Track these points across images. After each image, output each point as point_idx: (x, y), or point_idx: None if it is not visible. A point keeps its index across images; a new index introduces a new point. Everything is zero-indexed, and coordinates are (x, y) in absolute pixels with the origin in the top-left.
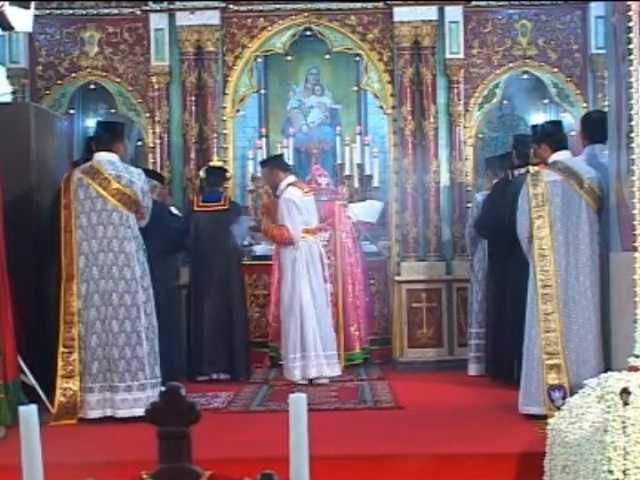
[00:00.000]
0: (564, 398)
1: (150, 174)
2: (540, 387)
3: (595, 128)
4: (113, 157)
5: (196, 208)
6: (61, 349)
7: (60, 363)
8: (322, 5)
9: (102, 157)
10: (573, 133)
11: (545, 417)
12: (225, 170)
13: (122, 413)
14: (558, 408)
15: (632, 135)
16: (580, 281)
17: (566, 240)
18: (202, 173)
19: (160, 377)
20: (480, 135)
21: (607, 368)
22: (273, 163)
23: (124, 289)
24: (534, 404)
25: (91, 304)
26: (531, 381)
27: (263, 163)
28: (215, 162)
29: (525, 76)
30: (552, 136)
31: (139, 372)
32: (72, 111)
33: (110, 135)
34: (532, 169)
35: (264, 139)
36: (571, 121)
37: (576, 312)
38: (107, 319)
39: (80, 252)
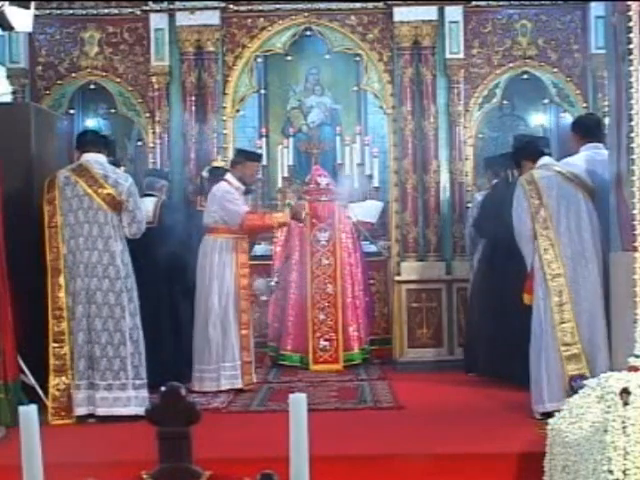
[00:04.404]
0: None
1: (162, 174)
2: (562, 381)
3: (587, 128)
4: (100, 158)
5: (199, 208)
6: (52, 344)
7: (51, 358)
8: (322, 5)
9: (90, 157)
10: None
11: None
12: (228, 170)
13: (101, 411)
14: None
15: (632, 135)
16: (589, 269)
17: (568, 230)
18: (205, 173)
19: (145, 379)
20: (480, 135)
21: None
22: None
23: (108, 287)
24: (555, 400)
25: (78, 301)
26: (552, 377)
27: (259, 157)
28: (218, 162)
29: (525, 76)
30: (526, 149)
31: (121, 372)
32: (72, 111)
33: (92, 138)
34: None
35: (264, 139)
36: (571, 121)
37: (588, 301)
38: (91, 317)
39: (68, 250)
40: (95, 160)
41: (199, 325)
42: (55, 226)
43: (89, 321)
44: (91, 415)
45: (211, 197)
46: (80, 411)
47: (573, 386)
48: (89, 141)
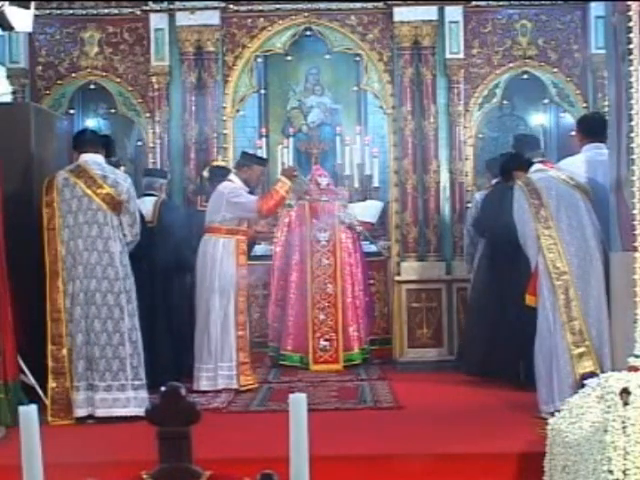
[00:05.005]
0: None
1: (160, 174)
2: (571, 380)
3: (591, 127)
4: (99, 158)
5: (200, 208)
6: (50, 346)
7: (50, 360)
8: (322, 5)
9: (89, 157)
10: (573, 133)
11: None
12: (229, 170)
13: (100, 413)
14: None
15: (632, 135)
16: (594, 265)
17: (570, 227)
18: (206, 173)
19: (144, 380)
20: (480, 135)
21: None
22: None
23: (107, 288)
24: (565, 399)
25: (77, 302)
26: (561, 376)
27: (266, 161)
28: (218, 162)
29: (525, 76)
30: (515, 162)
31: (120, 372)
32: (72, 111)
33: (89, 138)
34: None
35: (264, 139)
36: (571, 121)
37: (594, 298)
38: (90, 318)
39: (67, 251)
40: (93, 161)
41: (200, 324)
42: (54, 228)
43: (88, 322)
44: (90, 416)
45: (218, 195)
46: (80, 412)
47: (585, 384)
48: (86, 141)
